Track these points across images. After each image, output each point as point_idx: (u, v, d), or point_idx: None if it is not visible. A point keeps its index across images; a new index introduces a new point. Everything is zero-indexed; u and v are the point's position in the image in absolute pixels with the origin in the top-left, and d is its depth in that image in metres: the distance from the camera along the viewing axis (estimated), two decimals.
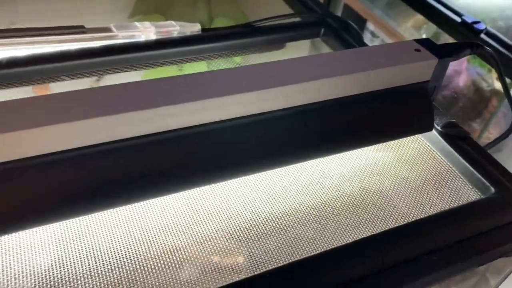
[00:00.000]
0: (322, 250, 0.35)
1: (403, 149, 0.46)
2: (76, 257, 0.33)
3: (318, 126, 0.40)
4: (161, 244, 0.35)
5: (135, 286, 0.32)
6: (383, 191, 0.42)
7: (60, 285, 0.31)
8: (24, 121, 0.30)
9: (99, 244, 0.34)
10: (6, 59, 0.46)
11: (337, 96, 0.40)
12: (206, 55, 0.55)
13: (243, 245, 0.36)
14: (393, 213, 0.39)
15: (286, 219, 0.38)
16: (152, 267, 0.33)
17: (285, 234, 0.37)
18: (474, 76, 0.80)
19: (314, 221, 0.38)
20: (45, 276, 0.31)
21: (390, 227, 0.38)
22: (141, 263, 0.33)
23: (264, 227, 0.37)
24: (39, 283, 0.31)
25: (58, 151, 0.31)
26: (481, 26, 0.61)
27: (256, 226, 0.37)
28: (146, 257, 0.34)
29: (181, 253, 0.34)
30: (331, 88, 0.39)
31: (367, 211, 0.40)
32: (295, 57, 0.40)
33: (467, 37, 0.62)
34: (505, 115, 0.76)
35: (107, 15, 0.70)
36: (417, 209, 0.40)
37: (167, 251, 0.34)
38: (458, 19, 0.64)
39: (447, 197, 0.41)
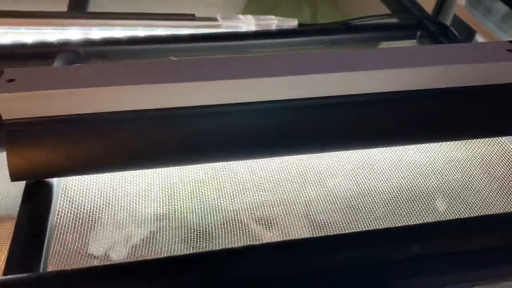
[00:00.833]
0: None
1: (485, 150, 0.45)
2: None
3: (397, 115, 0.41)
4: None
5: None
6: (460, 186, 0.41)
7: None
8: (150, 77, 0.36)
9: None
10: (127, 38, 0.54)
11: (420, 88, 0.40)
12: (301, 48, 0.58)
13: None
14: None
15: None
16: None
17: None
18: None
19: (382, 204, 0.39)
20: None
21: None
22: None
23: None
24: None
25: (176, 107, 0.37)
26: None
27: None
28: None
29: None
30: (413, 79, 0.40)
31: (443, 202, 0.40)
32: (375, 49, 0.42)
33: None
34: None
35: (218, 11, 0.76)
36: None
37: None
38: None
39: None
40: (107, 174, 0.39)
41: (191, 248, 0.35)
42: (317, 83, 0.38)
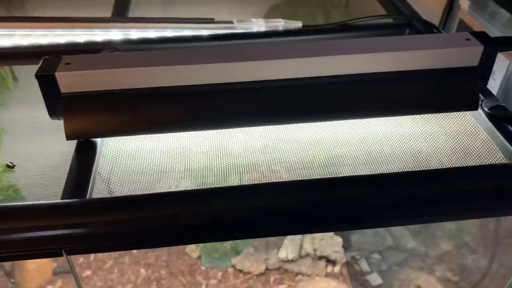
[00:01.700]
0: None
1: (450, 122, 0.53)
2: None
3: (376, 92, 0.50)
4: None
5: None
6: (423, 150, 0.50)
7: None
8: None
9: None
10: (158, 38, 0.65)
11: (390, 70, 0.50)
12: None
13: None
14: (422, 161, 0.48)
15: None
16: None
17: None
18: None
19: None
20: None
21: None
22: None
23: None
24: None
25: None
26: None
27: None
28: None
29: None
30: (384, 62, 0.49)
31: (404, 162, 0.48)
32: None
33: None
34: None
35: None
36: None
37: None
38: None
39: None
40: (137, 136, 0.50)
41: None
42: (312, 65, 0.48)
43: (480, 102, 0.52)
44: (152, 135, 0.51)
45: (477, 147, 0.50)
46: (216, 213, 0.41)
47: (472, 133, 0.52)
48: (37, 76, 0.46)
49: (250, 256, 1.16)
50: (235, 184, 0.48)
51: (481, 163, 0.48)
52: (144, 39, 0.65)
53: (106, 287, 1.14)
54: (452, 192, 0.43)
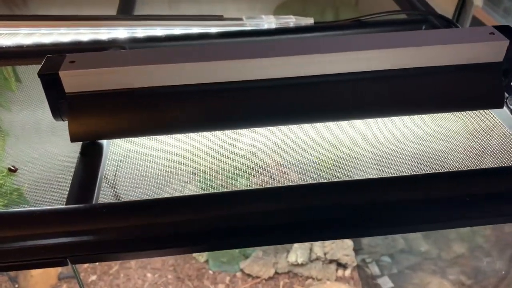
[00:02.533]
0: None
1: (473, 121, 0.50)
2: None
3: (396, 90, 0.47)
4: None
5: None
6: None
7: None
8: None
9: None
10: (165, 35, 0.63)
11: (411, 66, 0.47)
12: None
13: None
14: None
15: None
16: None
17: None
18: None
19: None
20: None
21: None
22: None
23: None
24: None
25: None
26: None
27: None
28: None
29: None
30: (405, 58, 0.46)
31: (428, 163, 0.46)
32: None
33: None
34: None
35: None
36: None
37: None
38: None
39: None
40: (144, 138, 0.48)
41: None
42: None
43: (505, 100, 0.49)
44: (159, 136, 0.49)
45: (502, 147, 0.48)
46: (228, 218, 0.39)
47: (497, 132, 0.49)
48: (40, 75, 0.44)
49: (259, 260, 1.13)
50: (244, 187, 0.45)
51: (507, 164, 0.46)
52: (150, 37, 0.63)
53: None
54: (475, 195, 0.41)
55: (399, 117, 0.50)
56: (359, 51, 0.46)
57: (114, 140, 0.48)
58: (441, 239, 1.16)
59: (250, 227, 0.39)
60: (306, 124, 0.50)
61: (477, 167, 0.46)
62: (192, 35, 0.64)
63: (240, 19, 0.66)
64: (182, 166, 0.46)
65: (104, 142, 0.47)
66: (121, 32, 0.64)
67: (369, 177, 0.46)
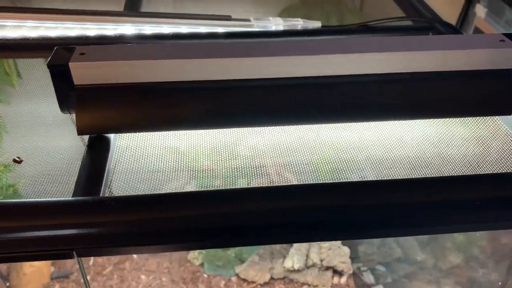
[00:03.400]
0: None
1: (480, 127, 0.50)
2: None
3: (405, 94, 0.47)
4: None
5: None
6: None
7: None
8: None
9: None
10: (172, 33, 0.63)
11: (421, 70, 0.47)
12: None
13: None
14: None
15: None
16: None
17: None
18: None
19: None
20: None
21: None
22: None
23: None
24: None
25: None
26: None
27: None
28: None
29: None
30: (415, 62, 0.46)
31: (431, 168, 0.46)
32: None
33: None
34: None
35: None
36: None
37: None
38: None
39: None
40: (151, 133, 0.48)
41: None
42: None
43: None
44: (167, 132, 0.48)
45: (507, 153, 0.48)
46: (233, 215, 0.38)
47: (504, 139, 0.49)
48: (49, 66, 0.43)
49: (255, 264, 1.13)
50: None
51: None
52: (158, 34, 0.63)
53: None
54: (478, 200, 0.41)
55: (407, 121, 0.50)
56: (370, 53, 0.46)
57: (121, 134, 0.47)
58: (437, 249, 1.16)
59: (251, 225, 0.39)
60: (314, 125, 0.50)
61: (477, 173, 0.46)
62: (199, 34, 0.64)
63: (248, 20, 0.66)
64: (188, 163, 0.46)
65: (112, 136, 0.46)
66: (128, 28, 0.63)
67: (366, 179, 0.45)
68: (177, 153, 0.47)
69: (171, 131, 0.48)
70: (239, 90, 0.46)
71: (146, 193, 0.42)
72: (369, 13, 0.91)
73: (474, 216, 0.41)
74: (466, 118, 0.51)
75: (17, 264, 1.07)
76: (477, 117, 0.50)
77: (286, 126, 0.50)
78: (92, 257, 1.14)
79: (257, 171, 0.46)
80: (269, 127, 0.50)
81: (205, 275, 1.12)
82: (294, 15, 0.91)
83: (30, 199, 0.38)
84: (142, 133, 0.47)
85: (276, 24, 0.66)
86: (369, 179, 0.45)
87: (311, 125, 0.50)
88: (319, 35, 0.65)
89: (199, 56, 0.45)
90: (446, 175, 0.45)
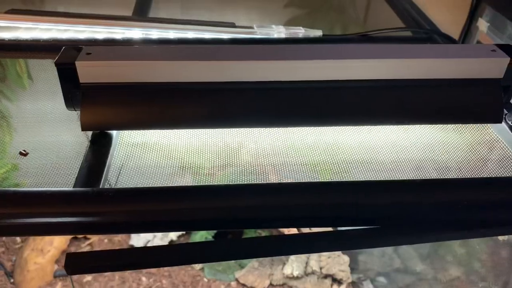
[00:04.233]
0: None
1: (472, 134, 0.52)
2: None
3: (398, 99, 0.49)
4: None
5: None
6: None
7: None
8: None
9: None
10: (178, 38, 0.65)
11: (413, 77, 0.49)
12: None
13: None
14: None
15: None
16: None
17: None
18: None
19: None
20: None
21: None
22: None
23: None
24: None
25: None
26: None
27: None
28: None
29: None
30: (408, 68, 0.48)
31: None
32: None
33: None
34: None
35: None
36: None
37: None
38: None
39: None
40: (152, 131, 0.50)
41: None
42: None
43: (504, 116, 0.51)
44: (168, 130, 0.50)
45: (497, 160, 0.49)
46: (225, 209, 0.40)
47: (494, 146, 0.51)
48: (57, 64, 0.45)
49: (254, 270, 1.13)
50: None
51: (501, 175, 0.47)
52: (164, 39, 0.65)
53: None
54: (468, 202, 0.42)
55: (400, 126, 0.51)
56: (362, 59, 0.47)
57: (123, 131, 0.49)
58: (437, 261, 1.16)
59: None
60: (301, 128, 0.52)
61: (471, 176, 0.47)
62: (204, 40, 0.66)
63: (251, 28, 0.68)
64: (185, 161, 0.48)
65: (114, 132, 0.48)
66: (135, 32, 0.66)
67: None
68: (176, 150, 0.49)
69: (171, 130, 0.50)
70: (235, 92, 0.47)
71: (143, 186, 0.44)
72: (372, 24, 0.93)
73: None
74: (458, 125, 0.52)
75: (21, 261, 1.09)
76: (469, 125, 0.52)
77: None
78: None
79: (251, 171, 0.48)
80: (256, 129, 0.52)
81: (205, 280, 1.13)
82: (298, 25, 0.93)
83: (34, 189, 0.40)
84: (143, 130, 0.49)
85: (278, 32, 0.68)
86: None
87: (298, 128, 0.52)
88: (319, 43, 0.67)
89: (199, 58, 0.47)
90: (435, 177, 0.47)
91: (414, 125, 0.52)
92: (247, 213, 0.39)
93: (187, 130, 0.50)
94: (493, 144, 0.51)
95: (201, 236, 1.20)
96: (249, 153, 0.50)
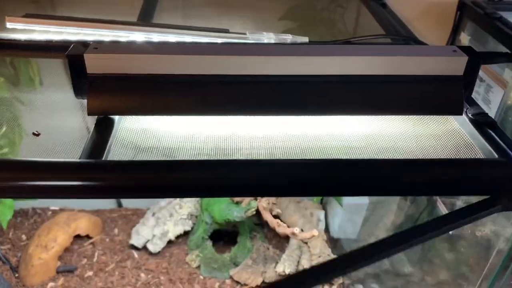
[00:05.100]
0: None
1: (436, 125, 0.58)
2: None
3: (370, 93, 0.55)
4: None
5: None
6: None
7: None
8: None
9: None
10: (177, 42, 0.72)
11: (383, 73, 0.55)
12: None
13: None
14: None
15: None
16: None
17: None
18: None
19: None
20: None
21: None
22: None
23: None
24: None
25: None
26: None
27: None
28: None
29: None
30: (378, 65, 0.54)
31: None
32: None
33: None
34: None
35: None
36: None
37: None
38: None
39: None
40: (150, 117, 0.56)
41: None
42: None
43: (465, 110, 0.57)
44: (167, 117, 0.56)
45: (459, 147, 0.55)
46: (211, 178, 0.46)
47: (456, 136, 0.56)
48: (68, 56, 0.52)
49: (248, 268, 1.18)
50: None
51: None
52: (164, 43, 0.72)
53: None
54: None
55: (373, 117, 0.57)
56: (335, 56, 0.54)
57: (124, 116, 0.55)
58: (425, 264, 1.20)
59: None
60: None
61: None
62: (200, 44, 0.72)
63: (244, 34, 0.75)
64: (182, 144, 0.54)
65: (116, 117, 0.54)
66: (138, 36, 0.73)
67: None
68: (172, 135, 0.55)
69: (168, 116, 0.56)
70: (230, 84, 0.54)
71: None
72: (358, 33, 1.00)
73: None
74: (425, 118, 0.58)
75: (26, 257, 1.14)
76: (433, 116, 0.58)
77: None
78: (96, 254, 1.21)
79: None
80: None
81: (201, 277, 1.18)
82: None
83: (44, 159, 0.46)
84: (141, 116, 0.56)
85: (268, 38, 0.75)
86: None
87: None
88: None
89: (192, 53, 0.53)
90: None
91: (386, 116, 0.58)
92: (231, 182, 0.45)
93: (184, 119, 0.56)
94: (455, 134, 0.57)
95: (198, 236, 1.25)
96: (239, 139, 0.56)
